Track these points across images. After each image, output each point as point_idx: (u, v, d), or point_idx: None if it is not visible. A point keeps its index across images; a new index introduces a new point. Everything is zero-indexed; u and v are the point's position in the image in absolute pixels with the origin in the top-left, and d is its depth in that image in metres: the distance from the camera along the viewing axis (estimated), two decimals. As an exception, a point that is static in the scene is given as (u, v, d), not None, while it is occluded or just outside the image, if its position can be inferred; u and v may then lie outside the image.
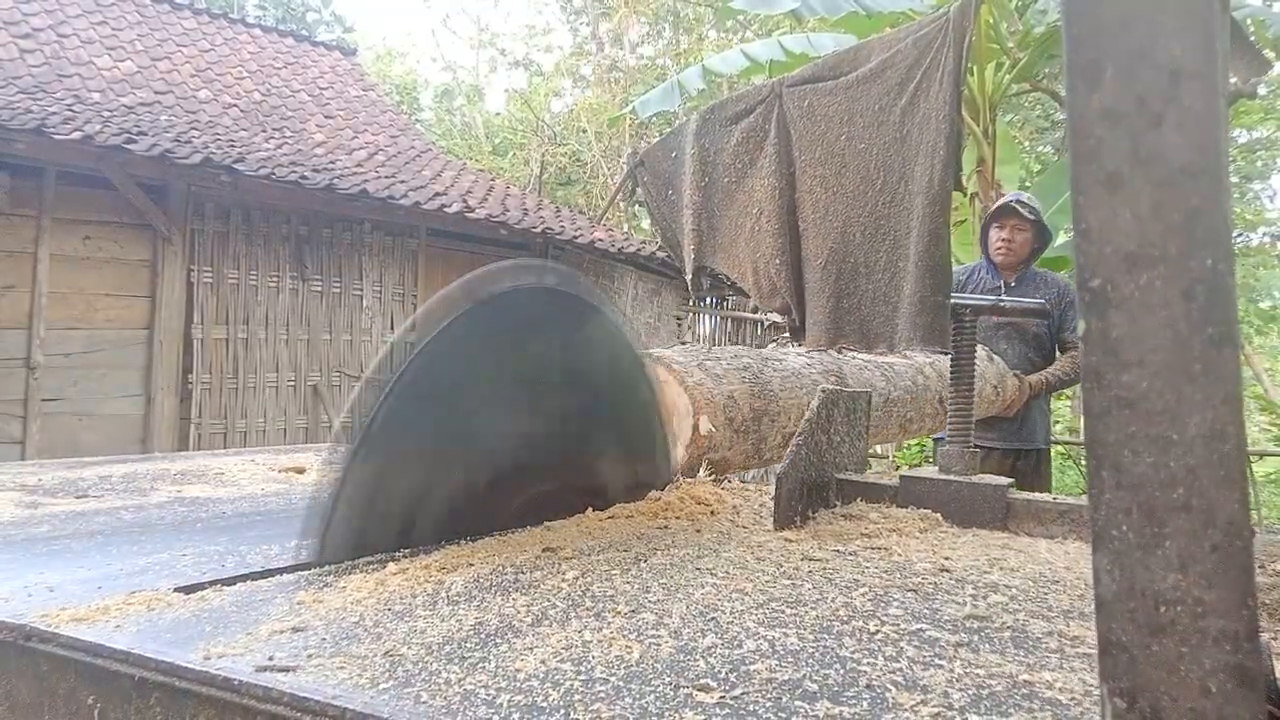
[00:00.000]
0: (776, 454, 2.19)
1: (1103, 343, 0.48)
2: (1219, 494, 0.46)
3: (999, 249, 3.92)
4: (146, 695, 0.81)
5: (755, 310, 3.90)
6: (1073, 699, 0.78)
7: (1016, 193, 4.53)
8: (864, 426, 1.95)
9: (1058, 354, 4.03)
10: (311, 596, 1.06)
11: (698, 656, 0.86)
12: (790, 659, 0.86)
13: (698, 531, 1.53)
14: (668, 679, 0.80)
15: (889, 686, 0.80)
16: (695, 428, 1.93)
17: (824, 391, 1.73)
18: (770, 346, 2.60)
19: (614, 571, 1.20)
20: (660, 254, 9.55)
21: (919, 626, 0.99)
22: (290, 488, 2.07)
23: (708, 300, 11.78)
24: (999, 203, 4.13)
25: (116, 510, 1.68)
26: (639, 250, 10.61)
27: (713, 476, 1.97)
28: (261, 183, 7.58)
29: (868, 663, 0.86)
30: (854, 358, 2.81)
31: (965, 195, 5.44)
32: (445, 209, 8.79)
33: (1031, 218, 3.91)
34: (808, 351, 2.55)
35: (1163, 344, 0.47)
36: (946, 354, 3.61)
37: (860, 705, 0.75)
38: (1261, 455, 9.07)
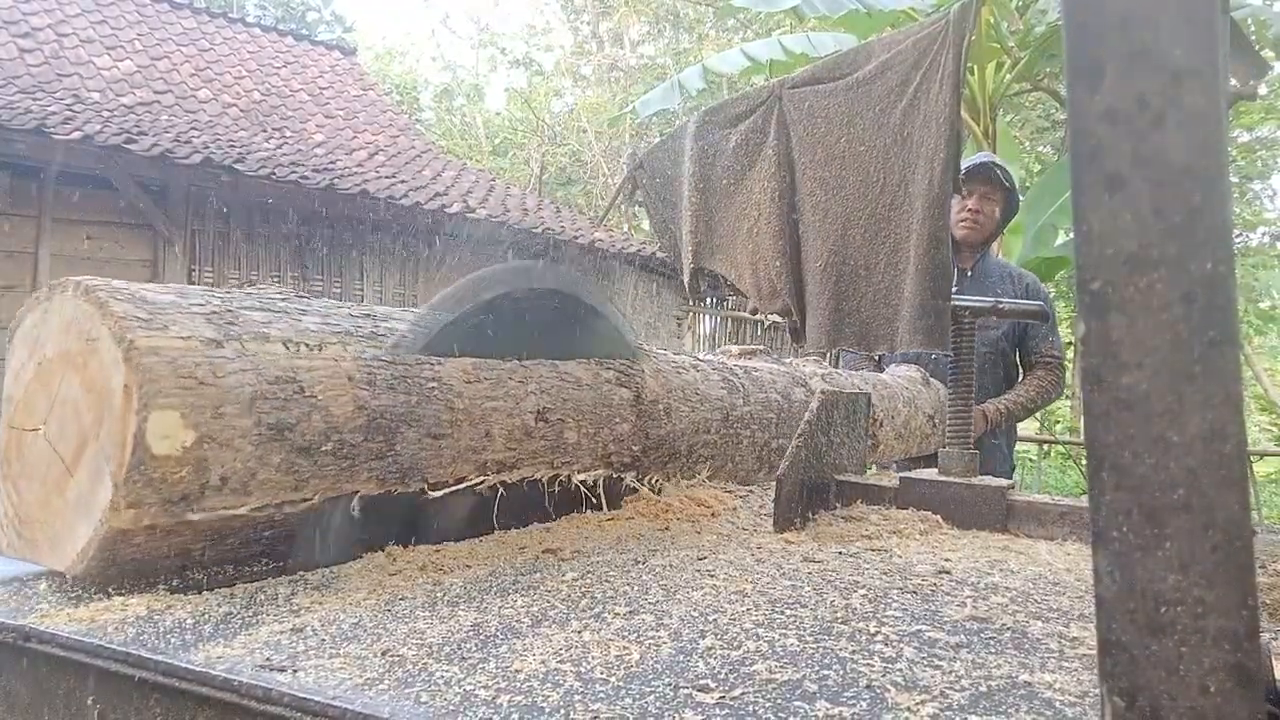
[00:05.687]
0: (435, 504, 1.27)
1: (1103, 344, 0.48)
2: (1219, 495, 0.46)
3: (963, 221, 3.16)
4: (146, 696, 0.81)
5: (754, 312, 3.83)
6: (1071, 700, 0.78)
7: (986, 154, 3.64)
8: (864, 428, 1.95)
9: (1021, 370, 3.30)
10: (310, 598, 1.06)
11: (697, 657, 0.86)
12: (790, 660, 0.86)
13: (698, 533, 1.53)
14: (667, 679, 0.80)
15: (888, 687, 0.80)
16: (138, 436, 0.95)
17: (823, 393, 1.73)
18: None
19: (613, 573, 1.20)
20: (660, 254, 9.55)
21: (919, 628, 0.99)
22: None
23: (708, 300, 11.80)
24: (967, 164, 3.13)
25: (116, 510, 1.68)
26: (639, 250, 10.62)
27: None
28: (262, 183, 7.58)
29: (867, 664, 0.86)
30: (683, 354, 1.97)
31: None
32: (446, 209, 8.79)
33: (1006, 184, 3.22)
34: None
35: (1163, 345, 0.47)
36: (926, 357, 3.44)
37: (859, 705, 0.75)
38: (1261, 455, 9.08)
